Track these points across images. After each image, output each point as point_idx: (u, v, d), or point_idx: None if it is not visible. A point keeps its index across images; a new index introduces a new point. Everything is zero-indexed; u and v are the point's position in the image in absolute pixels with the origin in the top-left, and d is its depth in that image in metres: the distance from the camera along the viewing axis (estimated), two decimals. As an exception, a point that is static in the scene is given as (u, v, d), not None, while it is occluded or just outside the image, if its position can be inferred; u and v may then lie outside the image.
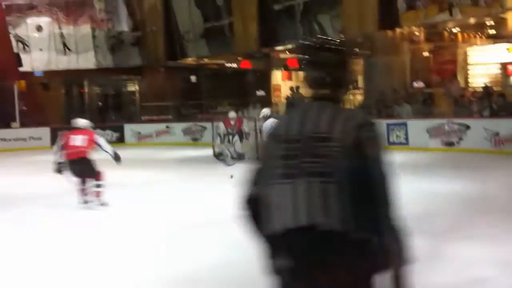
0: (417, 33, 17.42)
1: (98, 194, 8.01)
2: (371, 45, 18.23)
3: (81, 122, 8.43)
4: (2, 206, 8.55)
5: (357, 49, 18.25)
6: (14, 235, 6.57)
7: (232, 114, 14.15)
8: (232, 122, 13.96)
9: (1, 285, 4.75)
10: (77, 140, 7.96)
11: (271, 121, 10.45)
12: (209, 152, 15.19)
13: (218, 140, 14.45)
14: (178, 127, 19.92)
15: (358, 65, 22.13)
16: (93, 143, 8.06)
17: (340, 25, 16.55)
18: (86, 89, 25.07)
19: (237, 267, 4.78)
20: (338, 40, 2.40)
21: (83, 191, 8.00)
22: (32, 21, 21.55)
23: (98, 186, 7.99)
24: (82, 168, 7.89)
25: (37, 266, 5.24)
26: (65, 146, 7.95)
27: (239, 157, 13.64)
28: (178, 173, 12.02)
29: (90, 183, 8.01)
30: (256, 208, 2.15)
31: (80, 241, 6.12)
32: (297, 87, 20.85)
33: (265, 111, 12.19)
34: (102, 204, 7.96)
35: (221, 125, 14.35)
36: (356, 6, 15.72)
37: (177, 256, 5.41)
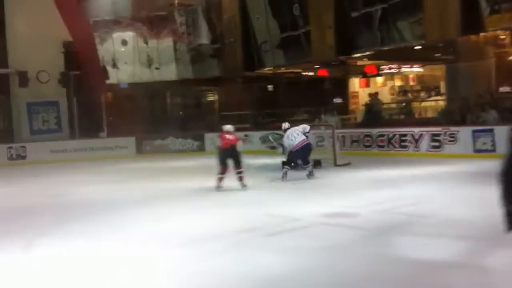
0: (502, 37, 16.68)
1: (241, 179, 10.63)
2: (453, 51, 17.66)
3: (228, 126, 11.30)
4: (94, 211, 9.09)
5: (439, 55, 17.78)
6: (109, 238, 6.96)
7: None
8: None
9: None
10: (228, 137, 10.97)
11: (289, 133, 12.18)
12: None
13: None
14: (256, 136, 20.18)
15: (440, 71, 21.55)
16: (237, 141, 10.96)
17: (420, 31, 16.14)
18: (168, 100, 26.02)
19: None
20: None
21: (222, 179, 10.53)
22: (117, 36, 22.63)
23: (240, 173, 10.63)
24: (231, 155, 10.57)
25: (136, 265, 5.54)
26: (221, 139, 10.96)
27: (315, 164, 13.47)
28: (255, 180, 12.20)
29: (234, 170, 10.64)
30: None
31: (169, 240, 6.39)
32: (376, 93, 20.59)
33: (285, 125, 12.73)
34: (244, 186, 10.54)
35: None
36: (438, 11, 15.27)
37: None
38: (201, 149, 20.59)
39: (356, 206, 8.39)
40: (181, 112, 25.95)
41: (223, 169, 10.67)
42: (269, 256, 5.79)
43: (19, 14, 22.10)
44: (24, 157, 19.71)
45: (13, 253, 6.41)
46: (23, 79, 21.49)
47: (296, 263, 5.50)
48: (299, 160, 12.11)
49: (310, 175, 11.94)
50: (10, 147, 20.01)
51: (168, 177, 12.27)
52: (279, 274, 5.13)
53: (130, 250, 6.34)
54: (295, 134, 12.09)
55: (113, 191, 11.64)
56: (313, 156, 13.13)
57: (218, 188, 10.55)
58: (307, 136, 12.22)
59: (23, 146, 20.06)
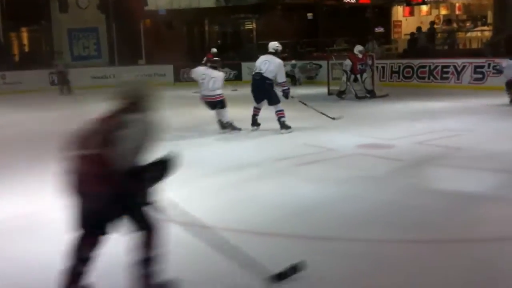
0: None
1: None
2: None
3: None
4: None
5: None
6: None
7: (358, 48, 13.77)
8: (360, 56, 13.66)
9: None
10: None
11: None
12: (323, 90, 15.24)
13: (344, 77, 14.06)
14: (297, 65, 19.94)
15: (488, 0, 20.56)
16: None
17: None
18: (206, 28, 25.80)
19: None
20: None
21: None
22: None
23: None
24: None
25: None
26: None
27: (370, 94, 13.52)
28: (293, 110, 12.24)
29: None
30: None
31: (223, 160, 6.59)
32: (419, 28, 19.81)
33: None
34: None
35: (347, 61, 13.86)
36: None
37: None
38: (238, 78, 20.57)
39: (393, 137, 8.38)
40: (218, 41, 25.75)
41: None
42: (304, 184, 5.92)
43: None
44: (66, 83, 20.13)
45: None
46: (63, 4, 21.59)
47: (331, 191, 5.62)
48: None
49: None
50: (52, 72, 20.40)
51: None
52: (313, 202, 5.27)
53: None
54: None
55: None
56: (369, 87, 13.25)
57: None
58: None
59: (65, 72, 20.41)
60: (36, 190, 5.99)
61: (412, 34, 19.38)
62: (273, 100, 9.21)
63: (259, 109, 9.50)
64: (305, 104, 10.36)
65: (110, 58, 22.99)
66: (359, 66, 13.52)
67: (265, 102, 9.40)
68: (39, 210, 5.27)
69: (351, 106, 12.51)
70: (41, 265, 3.91)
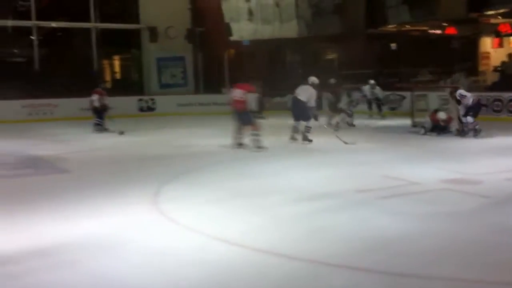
0: None
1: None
2: None
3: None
4: (214, 163, 9.61)
5: None
6: (226, 187, 7.37)
7: (442, 116, 12.78)
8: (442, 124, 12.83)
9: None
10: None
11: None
12: (406, 122, 14.94)
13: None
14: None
15: None
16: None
17: None
18: (287, 57, 26.17)
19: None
20: None
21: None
22: (241, -8, 23.00)
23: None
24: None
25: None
26: None
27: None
28: (373, 141, 12.09)
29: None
30: None
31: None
32: (510, 54, 19.11)
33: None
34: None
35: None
36: None
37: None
38: (318, 108, 20.53)
39: (480, 172, 8.05)
40: (300, 70, 25.95)
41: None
42: (384, 217, 5.79)
43: (150, -27, 23.21)
44: (153, 109, 21.05)
45: (139, 201, 7.00)
46: (153, 34, 22.72)
47: (412, 227, 5.46)
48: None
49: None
50: (141, 99, 21.43)
51: (285, 133, 12.52)
52: (391, 236, 5.14)
53: (246, 202, 6.66)
54: None
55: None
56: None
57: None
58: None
59: (153, 99, 21.38)
60: (122, 210, 6.29)
61: (503, 63, 18.62)
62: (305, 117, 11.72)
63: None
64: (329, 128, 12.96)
65: (196, 86, 23.80)
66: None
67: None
68: (121, 228, 5.53)
69: (436, 139, 12.16)
70: (122, 283, 4.08)
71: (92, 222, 5.85)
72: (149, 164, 9.67)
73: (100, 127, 14.65)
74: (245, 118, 10.85)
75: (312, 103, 11.72)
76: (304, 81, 12.22)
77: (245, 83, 11.33)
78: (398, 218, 5.77)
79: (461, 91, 12.44)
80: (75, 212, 6.24)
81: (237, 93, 11.01)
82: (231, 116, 11.28)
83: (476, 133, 12.07)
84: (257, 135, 10.81)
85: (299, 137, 11.93)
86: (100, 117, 14.67)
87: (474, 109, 12.23)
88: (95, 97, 14.60)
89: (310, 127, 11.79)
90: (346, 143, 11.39)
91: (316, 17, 22.73)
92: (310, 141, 11.69)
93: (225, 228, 5.53)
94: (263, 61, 25.66)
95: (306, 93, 11.68)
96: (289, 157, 10.14)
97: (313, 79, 12.06)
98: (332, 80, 15.32)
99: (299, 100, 11.70)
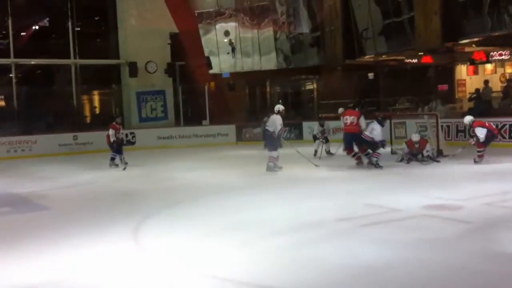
0: None
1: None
2: None
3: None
4: (196, 196, 9.54)
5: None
6: (209, 222, 7.31)
7: (415, 138, 12.88)
8: (416, 146, 13.14)
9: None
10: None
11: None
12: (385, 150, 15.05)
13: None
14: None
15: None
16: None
17: (535, 14, 15.05)
18: (267, 89, 26.43)
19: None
20: None
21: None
22: (220, 26, 23.25)
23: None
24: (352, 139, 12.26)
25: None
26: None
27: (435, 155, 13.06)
28: (354, 169, 12.14)
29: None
30: None
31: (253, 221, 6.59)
32: (486, 81, 19.53)
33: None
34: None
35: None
36: (556, -8, 14.18)
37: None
38: (298, 137, 20.71)
39: (460, 198, 8.12)
40: (280, 101, 26.18)
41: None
42: (367, 246, 5.79)
43: (130, 9, 23.42)
44: (133, 143, 20.92)
45: (121, 237, 6.90)
46: (133, 69, 22.77)
47: (396, 255, 5.46)
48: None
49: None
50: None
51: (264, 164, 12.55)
52: (376, 265, 5.13)
53: (231, 235, 6.61)
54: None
55: (216, 176, 12.10)
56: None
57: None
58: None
59: (133, 133, 21.29)
60: (102, 247, 6.19)
61: (477, 91, 19.03)
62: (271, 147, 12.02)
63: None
64: (299, 152, 12.95)
65: (176, 119, 23.82)
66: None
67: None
68: (100, 266, 5.43)
69: (416, 166, 12.27)
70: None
71: (70, 260, 5.74)
72: (129, 199, 9.57)
73: (112, 162, 14.39)
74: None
75: (278, 132, 11.91)
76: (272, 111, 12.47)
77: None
78: (381, 246, 5.77)
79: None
80: (53, 251, 6.12)
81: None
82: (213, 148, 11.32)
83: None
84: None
85: (279, 166, 12.05)
86: (117, 151, 14.43)
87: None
88: (111, 132, 14.40)
89: (274, 157, 11.93)
90: (317, 165, 12.40)
91: (295, 50, 23.05)
92: (280, 168, 11.96)
93: (210, 264, 5.46)
94: (243, 92, 25.87)
95: (273, 123, 11.98)
96: (271, 189, 10.11)
97: (279, 107, 12.26)
98: (341, 110, 14.86)
99: (267, 130, 12.10)
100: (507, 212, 7.24)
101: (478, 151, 12.10)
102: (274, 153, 11.91)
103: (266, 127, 12.12)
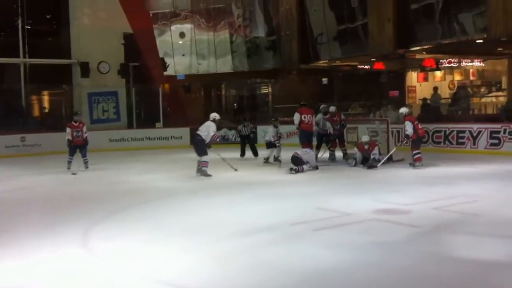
0: None
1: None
2: (517, 45, 17.01)
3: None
4: (149, 200, 9.39)
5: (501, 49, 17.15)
6: (163, 226, 7.19)
7: (365, 139, 13.23)
8: (366, 147, 13.26)
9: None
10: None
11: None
12: (338, 154, 15.25)
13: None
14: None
15: (502, 66, 20.78)
16: None
17: (483, 24, 15.58)
18: (223, 92, 26.37)
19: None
20: None
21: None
22: (175, 28, 23.05)
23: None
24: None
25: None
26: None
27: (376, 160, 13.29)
28: (306, 174, 12.23)
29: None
30: None
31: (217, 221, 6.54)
32: (435, 88, 20.08)
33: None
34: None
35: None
36: (502, 2, 14.72)
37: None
38: (254, 141, 20.67)
39: (409, 202, 8.28)
40: (235, 104, 26.19)
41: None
42: (319, 249, 5.82)
43: (83, 7, 22.92)
44: (84, 145, 20.43)
45: (68, 241, 6.71)
46: (85, 69, 22.30)
47: (346, 257, 5.51)
48: None
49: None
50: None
51: (220, 168, 12.48)
52: (328, 268, 5.17)
53: (182, 239, 6.52)
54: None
55: (168, 180, 11.95)
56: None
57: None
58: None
59: (84, 134, 20.77)
60: (49, 252, 6.00)
61: (424, 99, 19.55)
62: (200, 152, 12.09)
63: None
64: (223, 159, 13.00)
65: (129, 121, 23.43)
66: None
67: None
68: (47, 272, 5.25)
69: (367, 171, 12.47)
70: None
71: (15, 266, 5.53)
72: (78, 203, 9.31)
73: (69, 165, 13.71)
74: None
75: (209, 138, 12.10)
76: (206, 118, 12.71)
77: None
78: (333, 249, 5.81)
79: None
80: (-4, 256, 5.89)
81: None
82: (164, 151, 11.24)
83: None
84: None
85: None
86: (70, 153, 13.87)
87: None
88: (68, 130, 13.86)
89: (207, 162, 11.99)
90: (236, 170, 12.58)
91: (251, 53, 23.10)
92: (209, 175, 11.82)
93: (161, 269, 5.36)
94: (199, 95, 25.72)
95: (206, 129, 12.18)
96: (223, 192, 10.07)
97: (214, 115, 12.65)
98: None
99: (197, 135, 12.28)
100: (454, 216, 7.43)
101: (414, 154, 12.45)
102: (205, 157, 12.01)
103: (198, 132, 12.28)
